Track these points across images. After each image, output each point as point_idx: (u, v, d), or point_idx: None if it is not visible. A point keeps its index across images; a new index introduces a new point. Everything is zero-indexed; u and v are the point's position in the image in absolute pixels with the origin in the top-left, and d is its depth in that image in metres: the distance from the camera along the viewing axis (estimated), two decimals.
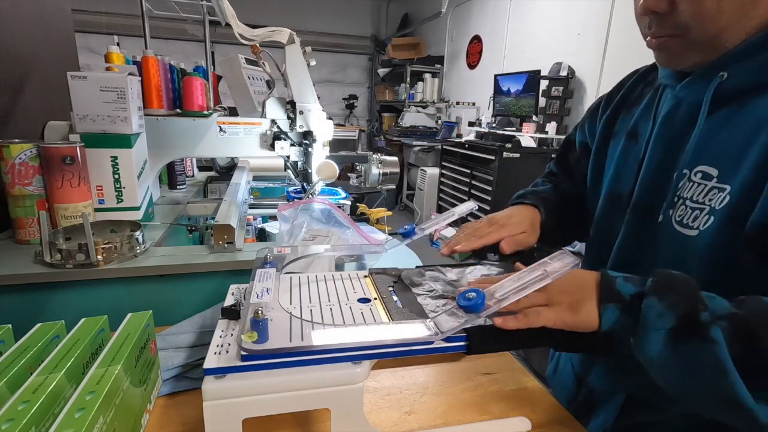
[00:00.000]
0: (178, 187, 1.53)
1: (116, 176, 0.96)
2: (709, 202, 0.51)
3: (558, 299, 0.50)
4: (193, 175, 1.75)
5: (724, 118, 0.52)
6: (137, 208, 1.00)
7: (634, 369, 0.55)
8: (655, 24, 0.52)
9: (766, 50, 0.48)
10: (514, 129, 3.59)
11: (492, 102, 3.91)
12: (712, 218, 0.51)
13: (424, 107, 5.42)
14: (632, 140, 0.65)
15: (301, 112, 1.17)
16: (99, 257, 0.81)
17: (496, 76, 3.80)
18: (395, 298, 0.61)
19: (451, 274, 0.71)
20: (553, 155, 2.32)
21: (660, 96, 0.63)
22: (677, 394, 0.47)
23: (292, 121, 1.19)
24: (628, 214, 0.63)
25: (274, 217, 1.42)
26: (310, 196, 1.20)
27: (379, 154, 1.38)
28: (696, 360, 0.42)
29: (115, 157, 0.95)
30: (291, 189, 1.44)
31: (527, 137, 3.31)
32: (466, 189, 3.79)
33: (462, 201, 4.22)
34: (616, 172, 0.67)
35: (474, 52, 4.59)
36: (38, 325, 0.55)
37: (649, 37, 0.55)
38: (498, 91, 3.78)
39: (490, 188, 3.43)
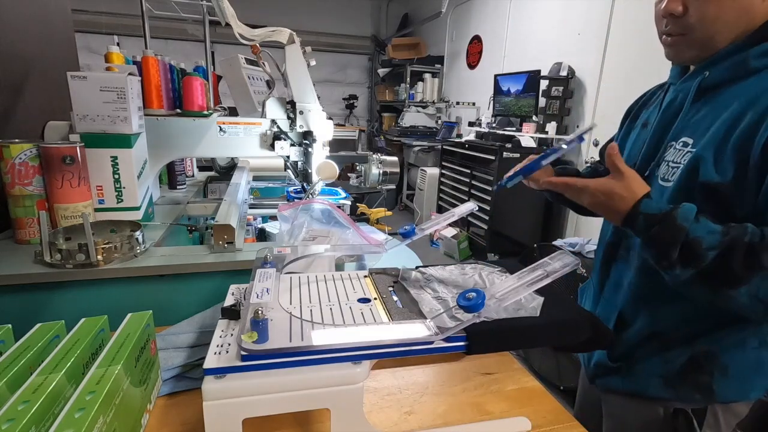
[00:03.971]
0: (178, 187, 1.53)
1: (116, 176, 0.96)
2: (683, 160, 0.67)
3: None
4: (193, 175, 1.75)
5: (703, 103, 0.70)
6: (137, 208, 1.00)
7: None
8: (671, 24, 0.69)
9: (733, 55, 0.66)
10: (514, 129, 3.58)
11: (492, 102, 3.91)
12: (679, 170, 0.67)
13: (424, 107, 5.41)
14: (644, 128, 0.82)
15: (301, 112, 1.17)
16: (99, 257, 0.81)
17: (496, 76, 3.79)
18: (395, 298, 0.61)
19: (451, 273, 0.71)
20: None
21: (666, 93, 0.81)
22: None
23: (292, 121, 1.19)
24: None
25: (274, 217, 1.42)
26: (310, 196, 1.20)
27: (379, 154, 1.38)
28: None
29: (115, 157, 0.95)
30: (291, 189, 1.44)
31: (527, 137, 3.31)
32: (466, 189, 3.78)
33: (462, 201, 4.18)
34: (629, 152, 0.83)
35: (474, 52, 4.59)
36: (38, 325, 0.55)
37: (664, 36, 0.71)
38: (498, 91, 3.78)
39: (490, 188, 3.42)
